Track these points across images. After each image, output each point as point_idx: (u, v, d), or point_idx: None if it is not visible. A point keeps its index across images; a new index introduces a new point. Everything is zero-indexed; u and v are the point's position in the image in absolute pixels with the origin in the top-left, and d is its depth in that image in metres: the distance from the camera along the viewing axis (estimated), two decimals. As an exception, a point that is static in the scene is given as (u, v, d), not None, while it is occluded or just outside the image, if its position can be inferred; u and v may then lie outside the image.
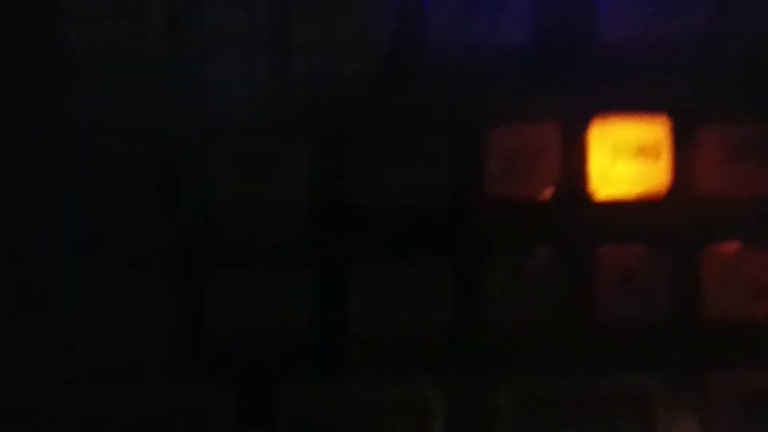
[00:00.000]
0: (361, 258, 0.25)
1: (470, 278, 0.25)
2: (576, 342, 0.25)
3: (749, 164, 0.25)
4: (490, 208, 0.25)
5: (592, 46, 0.25)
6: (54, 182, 0.25)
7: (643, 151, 0.25)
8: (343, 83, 0.25)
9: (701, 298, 0.25)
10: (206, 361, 0.26)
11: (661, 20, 0.25)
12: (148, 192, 0.25)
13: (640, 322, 0.25)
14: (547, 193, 0.25)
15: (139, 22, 0.25)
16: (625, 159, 0.25)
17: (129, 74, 0.25)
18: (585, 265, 0.25)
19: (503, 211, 0.25)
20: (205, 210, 0.25)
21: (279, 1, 0.25)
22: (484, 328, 0.25)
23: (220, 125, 0.25)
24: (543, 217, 0.25)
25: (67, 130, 0.25)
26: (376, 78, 0.25)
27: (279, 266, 0.25)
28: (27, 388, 0.25)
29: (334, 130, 0.25)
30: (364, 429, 0.25)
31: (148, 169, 0.25)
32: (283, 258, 0.25)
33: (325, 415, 0.25)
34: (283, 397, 0.25)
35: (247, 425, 0.25)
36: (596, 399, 0.25)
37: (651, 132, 0.25)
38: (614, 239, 0.25)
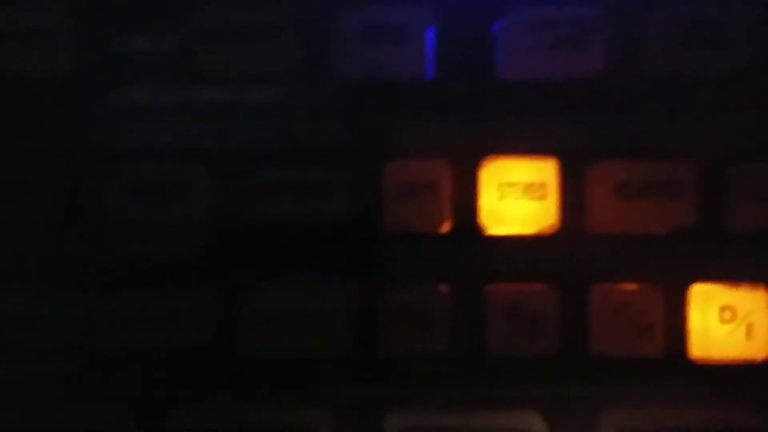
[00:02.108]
0: (258, 282, 0.26)
1: (368, 307, 0.26)
2: (466, 376, 0.26)
3: (637, 203, 0.25)
4: (389, 239, 0.26)
5: (487, 85, 0.26)
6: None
7: (530, 191, 0.26)
8: (246, 113, 0.26)
9: (589, 334, 0.25)
10: (102, 382, 0.26)
11: (554, 64, 0.26)
12: (49, 216, 0.26)
13: (527, 357, 0.25)
14: (441, 228, 0.26)
15: (44, 49, 0.26)
16: (511, 198, 0.26)
17: (34, 100, 0.26)
18: (476, 300, 0.26)
19: (401, 243, 0.26)
20: (105, 234, 0.26)
21: (185, 30, 0.26)
22: (379, 356, 0.26)
23: (123, 152, 0.26)
24: (438, 251, 0.26)
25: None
26: (278, 108, 0.26)
27: (176, 287, 0.26)
28: None
29: (235, 159, 0.26)
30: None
31: (50, 194, 0.26)
32: (181, 280, 0.26)
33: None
34: (177, 419, 0.26)
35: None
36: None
37: (538, 172, 0.26)
38: (506, 275, 0.26)
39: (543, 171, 0.26)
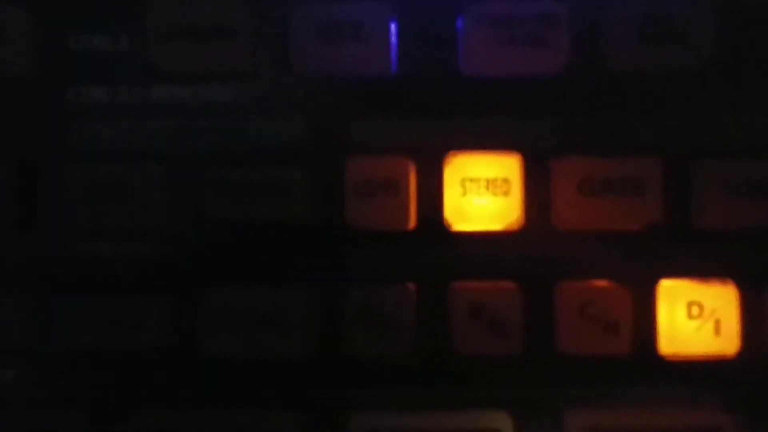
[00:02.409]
0: (217, 284, 0.25)
1: (332, 307, 0.25)
2: (432, 376, 0.25)
3: (602, 200, 0.25)
4: (352, 238, 0.25)
5: (450, 81, 0.26)
6: None
7: (493, 186, 0.25)
8: (204, 111, 0.26)
9: (555, 333, 0.25)
10: (59, 385, 0.25)
11: (517, 60, 0.25)
12: (4, 217, 0.25)
13: (493, 357, 0.25)
14: (405, 225, 0.25)
15: (2, 47, 0.25)
16: (474, 194, 0.25)
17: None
18: (441, 299, 0.25)
19: (364, 241, 0.25)
20: (61, 235, 0.26)
21: (142, 29, 0.25)
22: (344, 357, 0.25)
23: (79, 151, 0.26)
24: (402, 249, 0.25)
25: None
26: (237, 107, 0.26)
27: (134, 290, 0.25)
28: None
29: (195, 159, 0.25)
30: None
31: (5, 194, 0.25)
32: (139, 282, 0.25)
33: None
34: (136, 424, 0.25)
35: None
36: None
37: (501, 167, 0.25)
38: (471, 273, 0.25)
39: (506, 167, 0.25)
